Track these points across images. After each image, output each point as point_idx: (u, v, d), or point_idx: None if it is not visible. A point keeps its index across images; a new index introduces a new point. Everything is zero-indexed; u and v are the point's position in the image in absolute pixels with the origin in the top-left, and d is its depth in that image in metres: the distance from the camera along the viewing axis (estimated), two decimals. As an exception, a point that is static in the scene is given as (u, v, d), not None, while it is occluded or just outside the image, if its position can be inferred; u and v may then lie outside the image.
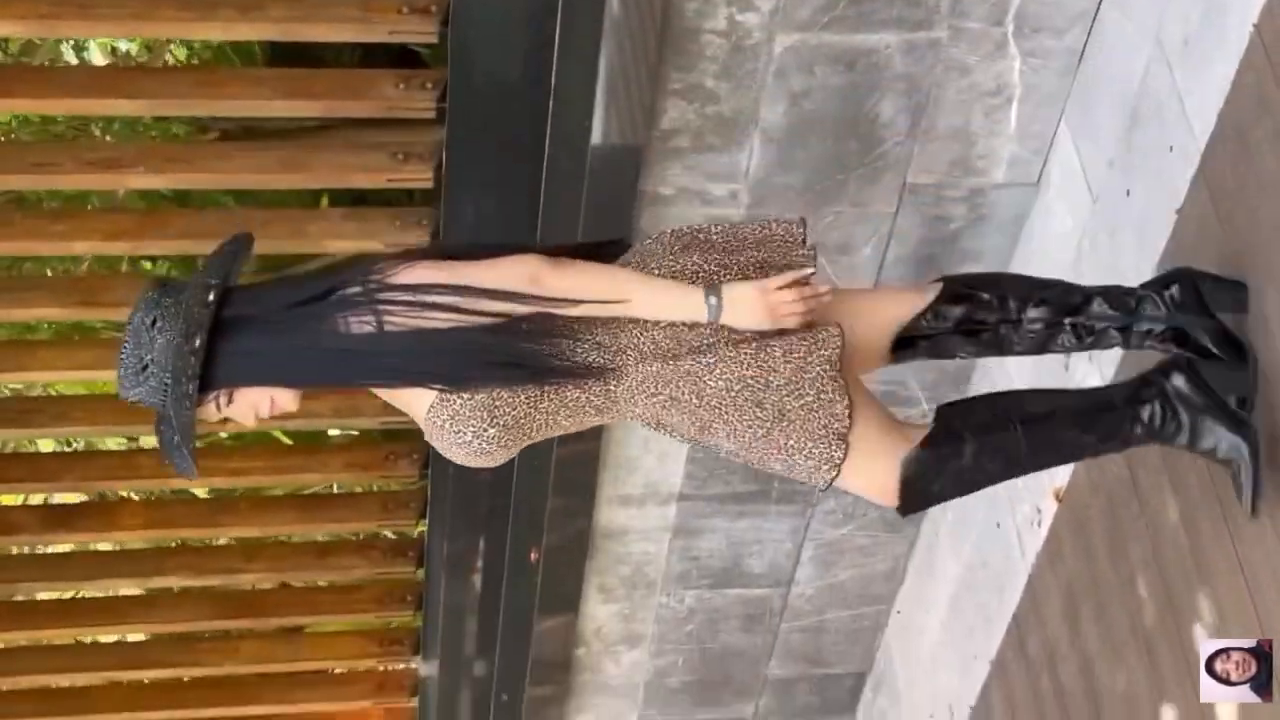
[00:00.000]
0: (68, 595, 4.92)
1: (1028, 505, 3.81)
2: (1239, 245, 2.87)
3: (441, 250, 2.52)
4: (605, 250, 2.60)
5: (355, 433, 4.87)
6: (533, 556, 4.34)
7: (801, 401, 2.47)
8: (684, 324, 2.47)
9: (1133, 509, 3.26)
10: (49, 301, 3.77)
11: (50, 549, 4.90)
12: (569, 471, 4.13)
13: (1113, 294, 2.76)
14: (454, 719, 4.88)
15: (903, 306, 2.72)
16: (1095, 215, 3.46)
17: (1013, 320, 2.74)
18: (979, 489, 2.68)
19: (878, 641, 4.81)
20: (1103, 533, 3.41)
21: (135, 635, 4.98)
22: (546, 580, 4.38)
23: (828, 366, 2.48)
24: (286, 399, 2.45)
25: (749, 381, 2.47)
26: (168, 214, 3.84)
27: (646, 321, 2.47)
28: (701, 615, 4.68)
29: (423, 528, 4.53)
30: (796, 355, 2.47)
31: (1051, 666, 3.67)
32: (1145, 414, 2.64)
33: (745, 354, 2.46)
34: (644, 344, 2.46)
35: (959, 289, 2.74)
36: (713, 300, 2.45)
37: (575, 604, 4.55)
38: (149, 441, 4.99)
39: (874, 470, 2.56)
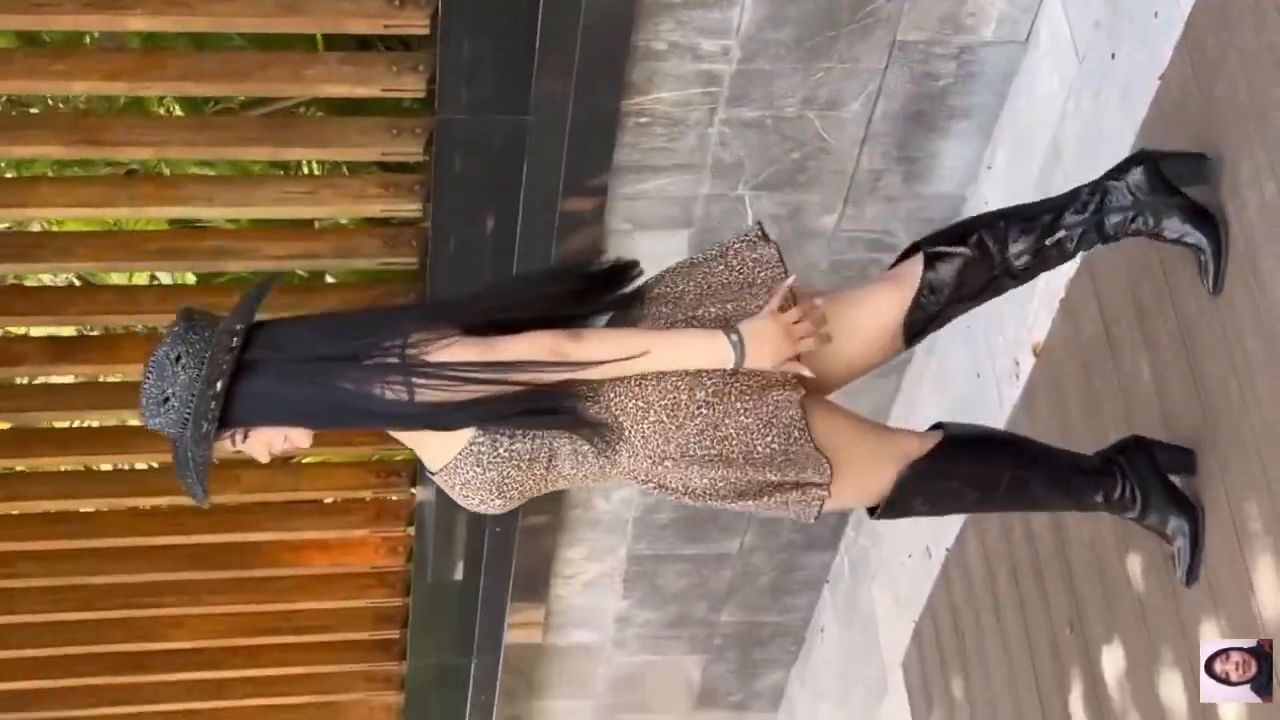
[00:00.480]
0: (72, 424, 5.03)
1: (1007, 358, 3.90)
2: (1217, 116, 2.92)
3: (450, 310, 2.61)
4: (622, 275, 2.69)
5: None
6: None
7: (781, 475, 2.60)
8: (687, 387, 2.56)
9: (1107, 368, 3.35)
10: (50, 140, 3.82)
11: (54, 379, 5.00)
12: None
13: (1079, 197, 2.82)
14: (450, 546, 5.01)
15: (892, 305, 2.76)
16: (1081, 76, 3.50)
17: (1000, 265, 2.79)
18: (948, 514, 2.91)
19: (861, 483, 4.93)
20: (1077, 389, 3.50)
21: (139, 464, 5.11)
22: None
23: (796, 434, 2.59)
24: (300, 436, 2.57)
25: (727, 481, 2.60)
26: (166, 55, 3.86)
27: (647, 389, 2.56)
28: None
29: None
30: (763, 437, 2.58)
31: (1024, 514, 3.79)
32: (1110, 488, 2.89)
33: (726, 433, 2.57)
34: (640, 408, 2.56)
35: (938, 251, 2.76)
36: (734, 338, 2.53)
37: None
38: (149, 278, 5.09)
39: (860, 490, 2.72)
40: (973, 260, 2.76)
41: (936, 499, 2.80)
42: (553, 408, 2.53)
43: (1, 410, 4.59)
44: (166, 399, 2.46)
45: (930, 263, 2.75)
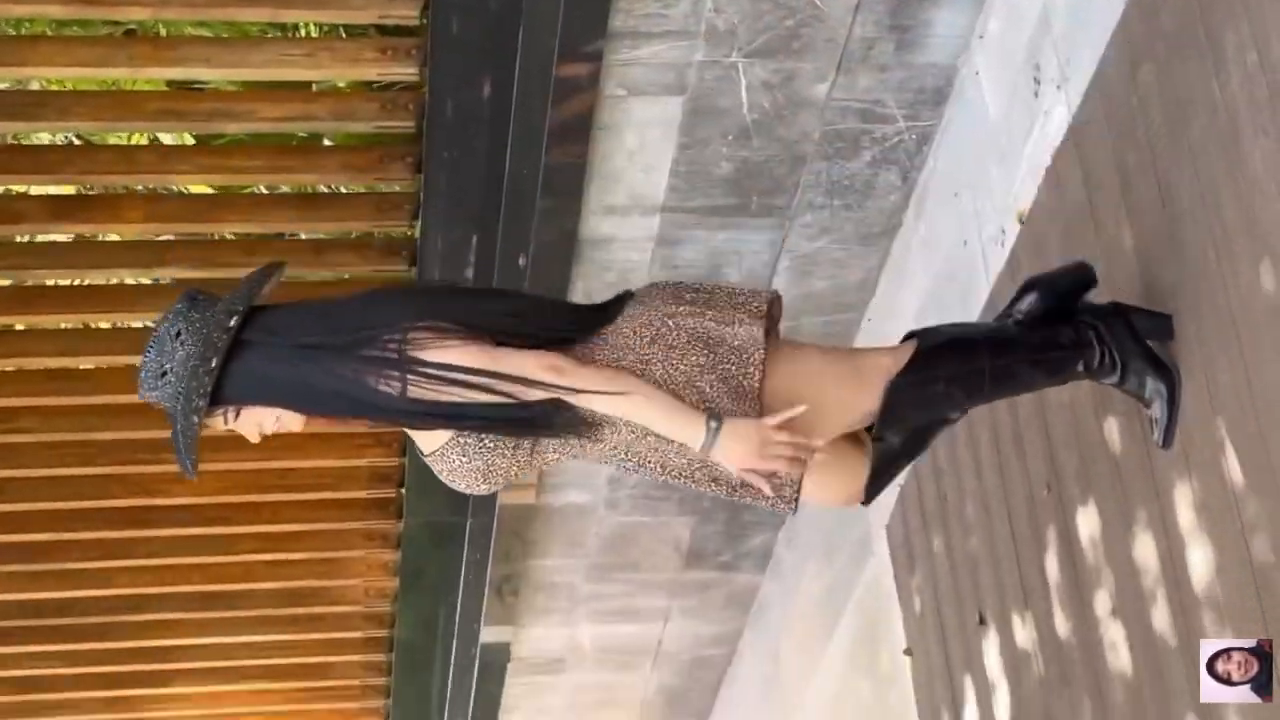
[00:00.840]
0: (72, 283, 5.08)
1: (994, 225, 3.96)
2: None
3: (449, 307, 2.67)
4: (611, 309, 2.77)
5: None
6: (520, 261, 4.49)
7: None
8: (661, 361, 2.66)
9: (1089, 235, 3.42)
10: (50, -2, 3.85)
11: (54, 238, 5.04)
12: (558, 177, 4.26)
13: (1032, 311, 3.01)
14: (445, 407, 5.09)
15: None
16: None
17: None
18: (941, 415, 2.94)
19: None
20: (1060, 256, 3.57)
21: (137, 323, 5.17)
22: (534, 283, 4.55)
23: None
24: (291, 419, 2.63)
25: (705, 464, 2.69)
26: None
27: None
28: (681, 320, 4.86)
29: (415, 229, 4.68)
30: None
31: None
32: (1090, 358, 2.96)
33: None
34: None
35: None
36: (713, 425, 2.59)
37: (562, 306, 4.72)
38: (147, 138, 5.11)
39: (851, 416, 2.80)
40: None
41: (928, 404, 2.87)
42: (534, 420, 2.61)
43: (2, 268, 4.65)
44: (164, 373, 2.53)
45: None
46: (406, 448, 5.17)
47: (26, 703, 6.16)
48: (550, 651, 6.38)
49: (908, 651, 4.61)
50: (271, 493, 5.37)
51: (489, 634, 6.00)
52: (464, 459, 2.67)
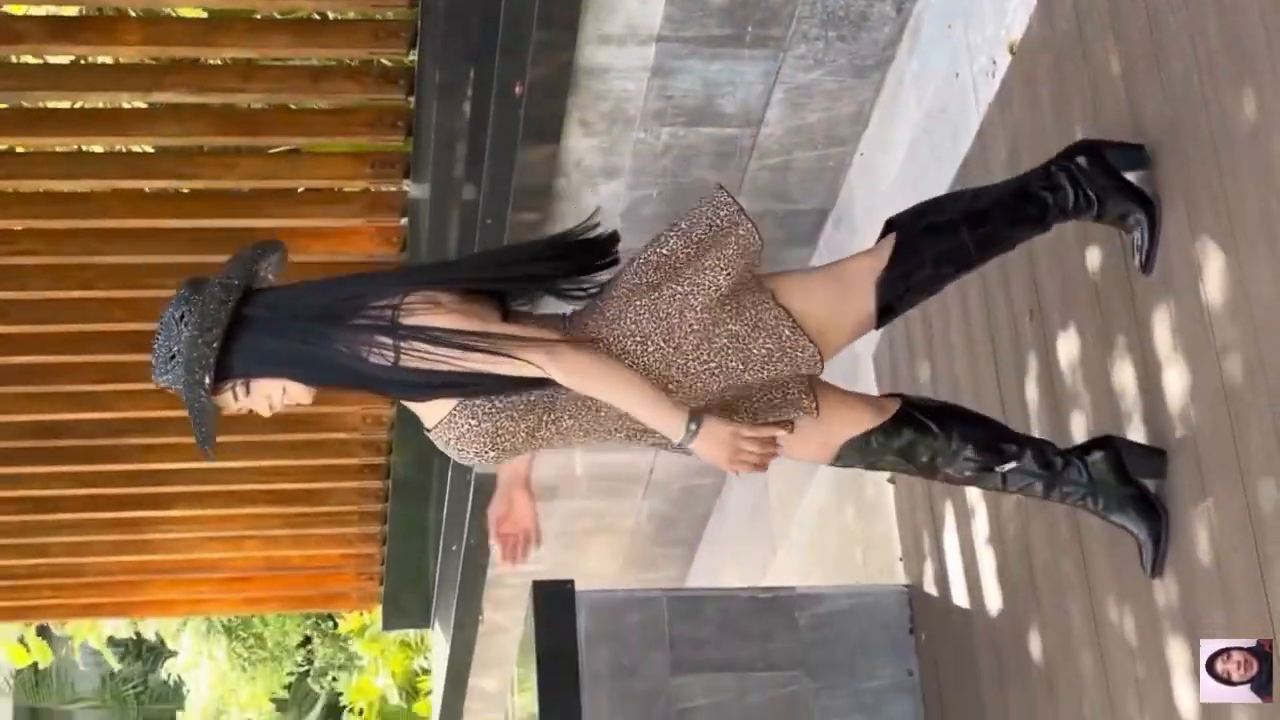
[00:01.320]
0: (71, 105, 5.11)
1: (985, 56, 3.99)
2: None
3: (439, 274, 2.73)
4: (599, 245, 2.81)
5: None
6: (517, 90, 4.53)
7: (776, 371, 2.81)
8: (678, 311, 2.72)
9: (1078, 64, 3.46)
10: None
11: (52, 60, 5.06)
12: (554, 6, 4.28)
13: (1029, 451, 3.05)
14: (443, 239, 5.16)
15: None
16: None
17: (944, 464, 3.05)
18: (938, 291, 3.04)
19: (841, 181, 5.05)
20: (1050, 87, 3.61)
21: (135, 147, 5.21)
22: (530, 112, 4.57)
23: (786, 331, 2.78)
24: (298, 391, 2.66)
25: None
26: None
27: (643, 322, 2.72)
28: (676, 151, 4.90)
29: (413, 57, 4.70)
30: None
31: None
32: (1062, 200, 3.01)
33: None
34: None
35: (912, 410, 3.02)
36: (692, 427, 2.67)
37: (557, 136, 4.74)
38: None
39: (853, 325, 2.90)
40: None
41: (923, 285, 2.95)
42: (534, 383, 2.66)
43: (1, 89, 4.68)
44: (173, 356, 2.57)
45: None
46: (407, 212, 5.20)
47: (32, 523, 6.31)
48: (544, 479, 6.50)
49: (891, 480, 4.73)
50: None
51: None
52: (473, 422, 2.69)
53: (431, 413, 2.73)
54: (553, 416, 2.73)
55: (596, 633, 4.42)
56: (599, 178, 5.00)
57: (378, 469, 6.48)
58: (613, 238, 2.83)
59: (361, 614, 9.77)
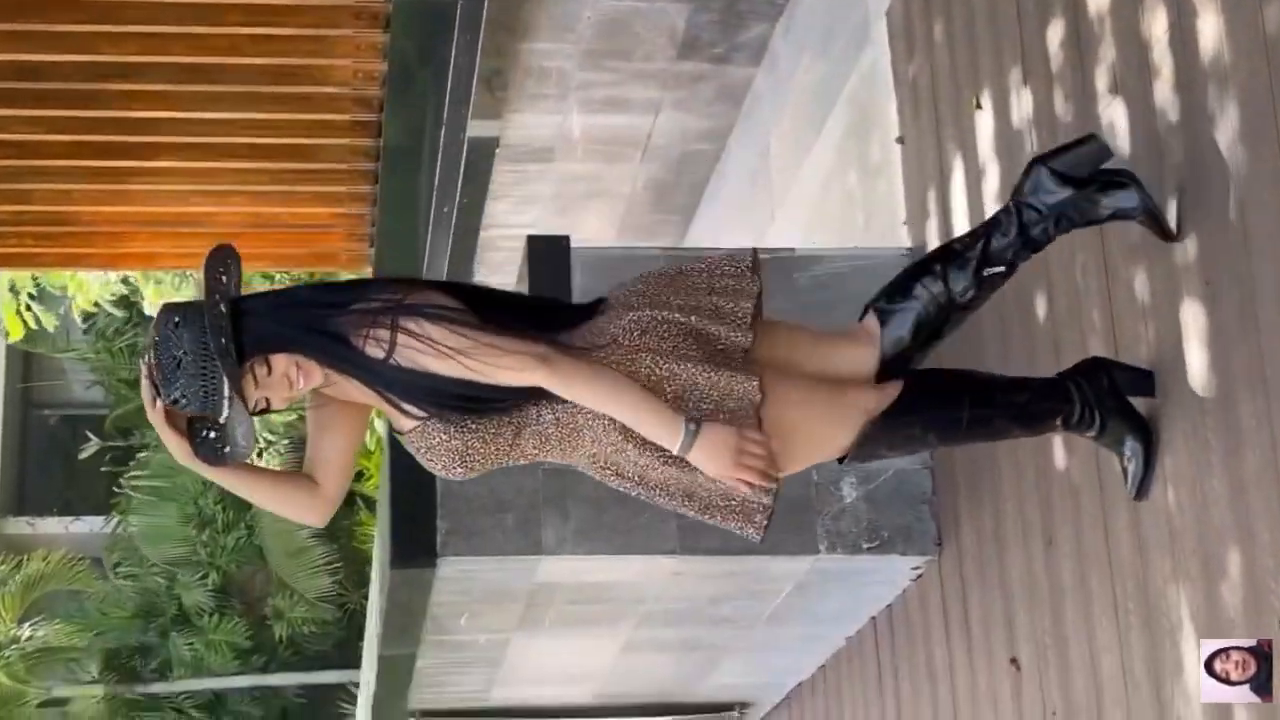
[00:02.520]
0: None
1: None
2: None
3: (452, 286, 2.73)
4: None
5: None
6: None
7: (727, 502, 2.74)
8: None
9: None
10: None
11: None
12: None
13: (999, 224, 2.94)
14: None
15: (863, 358, 2.89)
16: None
17: (947, 303, 2.91)
18: (909, 453, 3.11)
19: None
20: None
21: None
22: None
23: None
24: (312, 370, 2.62)
25: (681, 482, 2.71)
26: None
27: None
28: None
29: None
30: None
31: None
32: (1067, 413, 3.00)
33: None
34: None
35: (887, 309, 2.91)
36: (691, 427, 2.60)
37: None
38: None
39: (823, 453, 2.85)
40: (922, 309, 2.88)
41: (901, 444, 2.94)
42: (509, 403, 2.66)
43: None
44: (179, 363, 2.54)
45: (884, 320, 2.88)
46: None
47: (14, 168, 6.18)
48: (540, 140, 6.36)
49: (900, 140, 4.59)
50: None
51: (477, 128, 5.96)
52: (444, 436, 2.67)
53: (401, 418, 2.70)
54: (519, 441, 2.71)
55: (591, 290, 4.34)
56: None
57: (369, 127, 6.31)
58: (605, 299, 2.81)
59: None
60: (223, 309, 2.56)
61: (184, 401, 2.57)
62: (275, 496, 2.80)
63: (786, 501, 4.36)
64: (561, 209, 6.84)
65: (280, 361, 2.61)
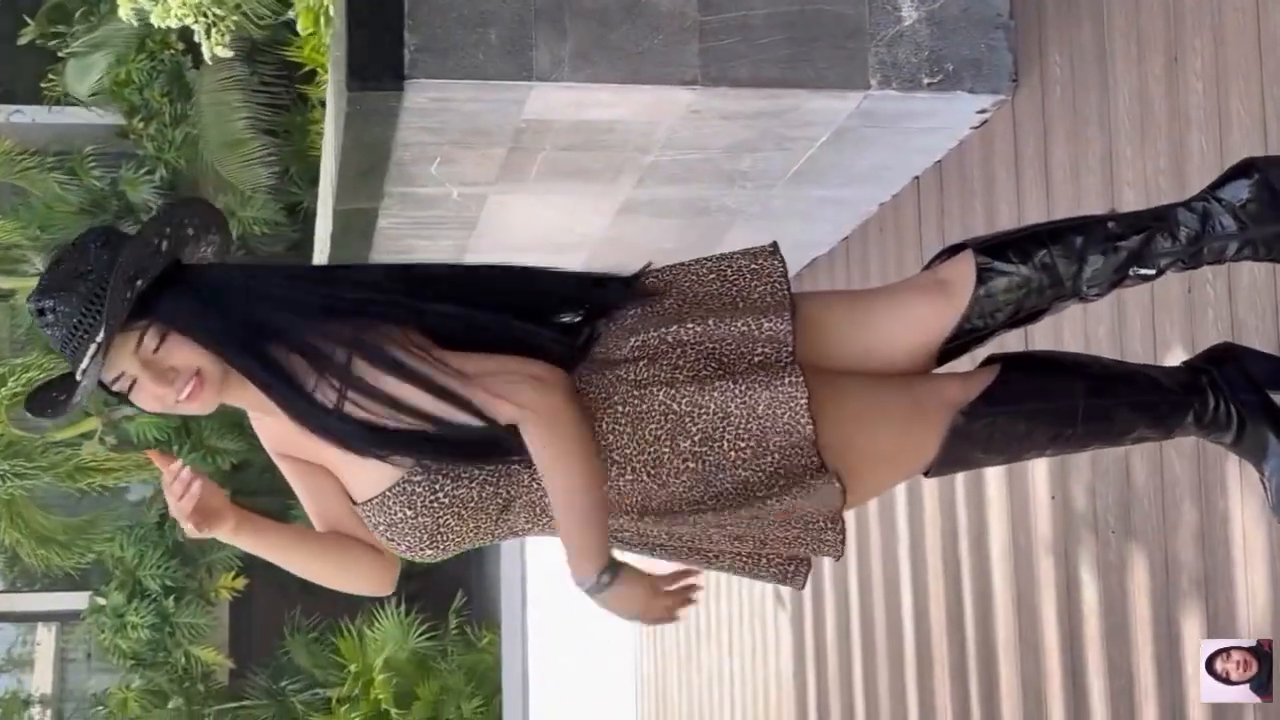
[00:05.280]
0: None
1: None
2: None
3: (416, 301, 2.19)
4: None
5: None
6: None
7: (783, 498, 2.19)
8: (669, 436, 2.17)
9: None
10: None
11: None
12: None
13: (1173, 220, 2.31)
14: None
15: (933, 323, 2.27)
16: None
17: (1069, 288, 2.30)
18: (1017, 460, 2.39)
19: None
20: None
21: None
22: None
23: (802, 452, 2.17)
24: (210, 385, 2.12)
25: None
26: None
27: (622, 439, 2.18)
28: None
29: None
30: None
31: None
32: (1200, 407, 2.36)
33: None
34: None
35: (993, 266, 2.27)
36: (605, 579, 2.13)
37: None
38: None
39: (900, 470, 2.32)
40: (1035, 283, 2.29)
41: (1000, 446, 2.30)
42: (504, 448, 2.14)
43: None
44: (80, 275, 2.09)
45: (983, 277, 2.27)
46: None
47: None
48: None
49: None
50: None
51: None
52: (409, 512, 2.19)
53: (365, 484, 2.22)
54: (506, 516, 2.21)
55: None
56: None
57: None
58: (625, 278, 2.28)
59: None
60: (162, 250, 2.12)
61: (50, 319, 2.12)
62: (345, 560, 2.31)
63: (833, 19, 3.65)
64: None
65: (181, 349, 2.12)
